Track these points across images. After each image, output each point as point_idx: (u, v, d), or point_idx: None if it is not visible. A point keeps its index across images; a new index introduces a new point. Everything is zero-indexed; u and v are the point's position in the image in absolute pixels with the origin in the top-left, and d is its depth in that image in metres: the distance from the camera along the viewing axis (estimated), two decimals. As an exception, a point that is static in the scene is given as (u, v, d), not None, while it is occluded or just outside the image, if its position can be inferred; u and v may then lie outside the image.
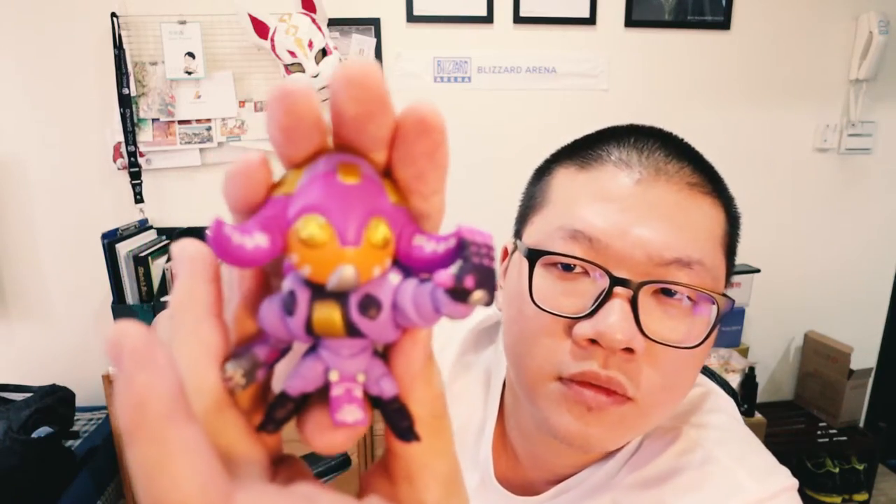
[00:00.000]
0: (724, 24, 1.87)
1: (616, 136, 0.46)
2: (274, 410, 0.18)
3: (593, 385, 0.41)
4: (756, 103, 1.95)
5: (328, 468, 0.98)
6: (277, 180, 0.18)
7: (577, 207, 0.43)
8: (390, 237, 0.17)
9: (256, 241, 0.16)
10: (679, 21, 1.85)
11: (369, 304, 0.17)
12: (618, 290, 0.40)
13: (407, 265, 0.18)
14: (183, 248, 0.19)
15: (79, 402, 1.64)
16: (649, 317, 0.40)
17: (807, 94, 1.96)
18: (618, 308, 0.39)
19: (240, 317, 0.19)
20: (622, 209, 0.41)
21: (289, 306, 0.17)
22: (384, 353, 0.19)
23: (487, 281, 0.16)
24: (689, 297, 0.42)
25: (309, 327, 0.17)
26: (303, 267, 0.16)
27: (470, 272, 0.16)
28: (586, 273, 0.42)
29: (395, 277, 0.17)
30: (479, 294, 0.16)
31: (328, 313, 0.17)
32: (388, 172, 0.18)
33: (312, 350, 0.18)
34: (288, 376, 0.18)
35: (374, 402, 0.18)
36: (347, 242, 0.16)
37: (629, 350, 0.40)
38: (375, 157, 0.17)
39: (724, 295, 0.43)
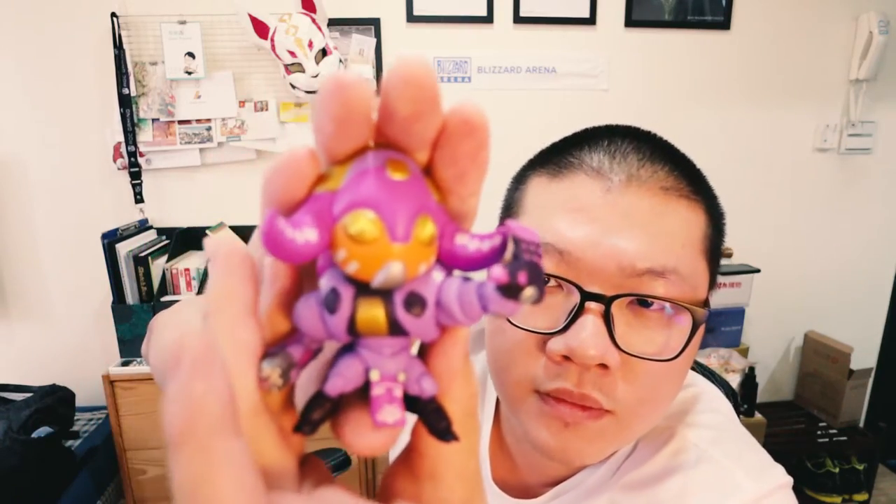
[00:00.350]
0: (724, 24, 1.87)
1: (589, 141, 0.45)
2: (311, 411, 0.18)
3: (568, 401, 0.40)
4: (756, 103, 1.95)
5: (328, 468, 0.98)
6: (319, 176, 0.17)
7: (549, 219, 0.42)
8: (436, 235, 0.17)
9: (307, 235, 0.16)
10: (679, 21, 1.85)
11: (414, 302, 0.17)
12: (590, 304, 0.39)
13: (447, 264, 0.18)
14: (218, 245, 0.18)
15: (79, 402, 1.64)
16: (625, 329, 0.40)
17: (807, 94, 1.96)
18: (590, 323, 0.39)
19: (272, 315, 0.18)
20: (593, 219, 0.40)
21: (331, 304, 0.16)
22: (419, 353, 0.19)
23: (538, 278, 0.16)
24: (669, 307, 0.41)
25: (352, 326, 0.16)
26: (349, 263, 0.16)
27: (522, 268, 0.16)
28: (560, 287, 0.41)
29: (438, 275, 0.17)
30: (530, 290, 0.16)
31: (373, 311, 0.16)
32: (427, 172, 0.18)
33: (349, 349, 0.18)
34: (328, 375, 0.18)
35: (409, 402, 0.18)
36: (397, 238, 0.16)
37: (603, 366, 0.39)
38: (418, 157, 0.17)
39: (705, 303, 0.42)
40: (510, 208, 0.48)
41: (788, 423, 2.06)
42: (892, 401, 2.21)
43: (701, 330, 0.42)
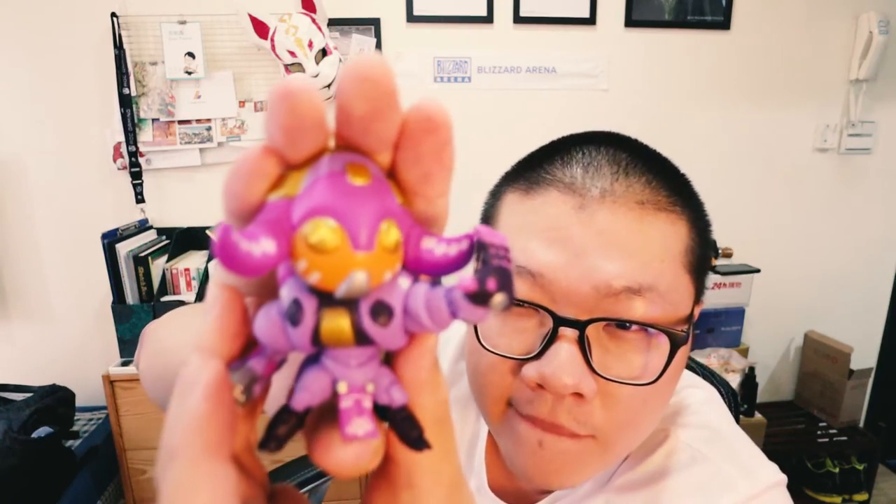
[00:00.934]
0: (724, 24, 1.87)
1: (562, 152, 0.43)
2: (276, 427, 0.17)
3: (541, 427, 0.40)
4: (756, 103, 1.95)
5: (322, 472, 0.98)
6: (275, 182, 0.17)
7: (522, 239, 0.40)
8: (401, 240, 0.16)
9: (263, 247, 0.15)
10: (679, 21, 1.85)
11: (381, 311, 0.16)
12: (563, 330, 0.38)
13: (414, 269, 0.17)
14: (195, 372, 0.17)
15: (79, 402, 1.64)
16: (602, 354, 0.39)
17: (807, 94, 1.96)
18: (563, 351, 0.37)
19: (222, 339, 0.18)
20: (565, 239, 0.39)
21: (293, 316, 0.16)
22: (387, 361, 0.18)
23: (508, 283, 0.16)
24: (650, 326, 0.39)
25: (316, 337, 0.16)
26: (311, 274, 0.15)
27: (491, 274, 0.15)
28: (535, 311, 0.40)
29: (404, 282, 0.17)
30: (500, 297, 0.15)
31: (338, 322, 0.16)
32: (391, 175, 0.17)
33: (314, 360, 0.17)
34: (293, 389, 0.17)
35: (380, 412, 0.17)
36: (360, 247, 0.15)
37: (579, 394, 0.38)
38: (380, 159, 0.17)
39: (689, 319, 0.41)
40: (486, 223, 0.47)
41: (788, 423, 2.06)
42: (893, 401, 2.21)
43: (684, 349, 0.41)
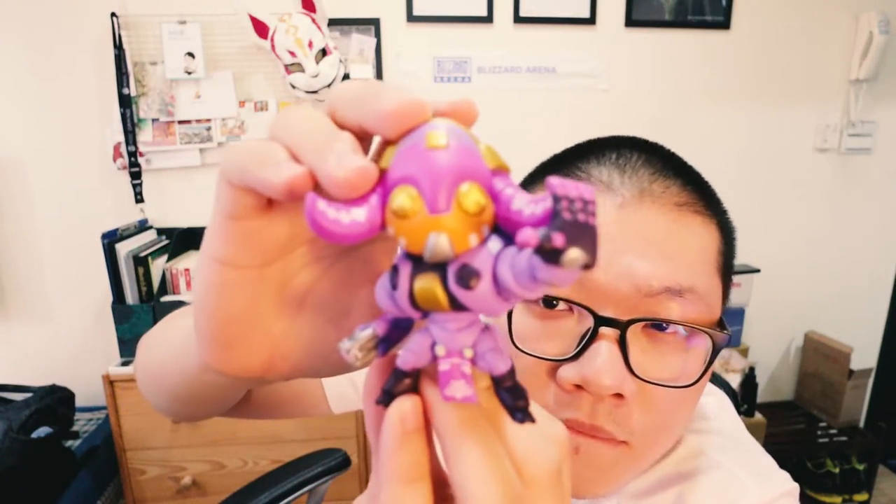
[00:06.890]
0: (724, 24, 1.87)
1: (596, 152, 0.42)
2: (392, 385, 0.18)
3: (578, 430, 0.39)
4: (756, 103, 1.95)
5: (327, 469, 0.98)
6: (375, 156, 0.18)
7: None
8: (485, 203, 0.16)
9: (353, 215, 0.16)
10: (679, 21, 1.84)
11: (467, 275, 0.16)
12: (604, 330, 0.37)
13: (510, 233, 0.17)
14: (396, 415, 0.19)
15: (79, 402, 1.63)
16: (640, 355, 0.38)
17: (807, 94, 1.96)
18: (604, 351, 0.36)
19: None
20: (605, 238, 0.38)
21: (393, 280, 0.17)
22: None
23: (582, 238, 0.14)
24: (682, 328, 0.39)
25: (413, 300, 0.17)
26: (399, 238, 0.16)
27: (559, 229, 0.14)
28: (571, 310, 0.39)
29: (495, 245, 0.16)
30: (574, 252, 0.14)
31: (428, 285, 0.16)
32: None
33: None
34: (401, 351, 0.18)
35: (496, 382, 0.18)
36: (437, 210, 0.16)
37: (618, 395, 0.37)
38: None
39: (722, 326, 0.40)
40: None
41: (788, 423, 2.06)
42: (893, 401, 2.21)
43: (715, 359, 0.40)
